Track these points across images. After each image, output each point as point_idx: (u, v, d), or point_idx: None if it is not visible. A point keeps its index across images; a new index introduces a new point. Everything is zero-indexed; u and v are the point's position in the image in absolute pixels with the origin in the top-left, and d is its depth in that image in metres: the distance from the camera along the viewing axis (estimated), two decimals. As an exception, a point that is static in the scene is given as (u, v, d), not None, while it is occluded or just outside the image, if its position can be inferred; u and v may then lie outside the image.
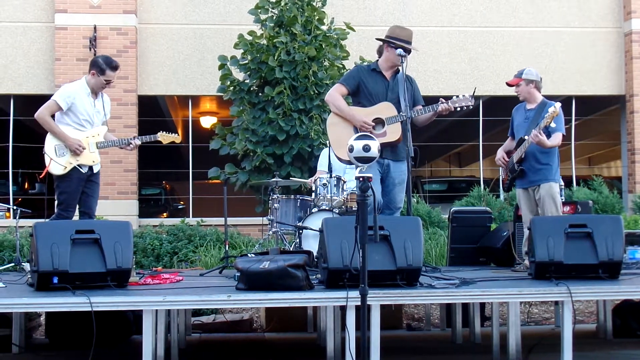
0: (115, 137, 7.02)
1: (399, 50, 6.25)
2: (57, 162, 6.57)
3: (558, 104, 6.49)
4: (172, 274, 6.53)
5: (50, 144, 6.63)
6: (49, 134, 6.68)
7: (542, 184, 6.66)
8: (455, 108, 6.38)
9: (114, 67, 6.73)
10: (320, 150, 8.99)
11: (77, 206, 6.75)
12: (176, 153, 14.85)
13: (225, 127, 11.00)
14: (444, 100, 6.37)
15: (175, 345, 6.21)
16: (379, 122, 6.34)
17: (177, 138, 7.23)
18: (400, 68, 6.44)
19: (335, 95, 6.53)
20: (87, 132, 6.71)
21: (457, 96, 6.41)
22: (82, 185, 6.69)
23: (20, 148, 12.77)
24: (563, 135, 6.62)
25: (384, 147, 6.17)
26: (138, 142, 6.96)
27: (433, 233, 9.98)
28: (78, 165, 6.63)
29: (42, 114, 6.64)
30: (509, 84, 6.93)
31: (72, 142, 6.58)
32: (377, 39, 6.69)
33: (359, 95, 6.52)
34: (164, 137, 7.14)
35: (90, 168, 6.76)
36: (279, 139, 10.17)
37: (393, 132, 6.31)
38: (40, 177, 6.70)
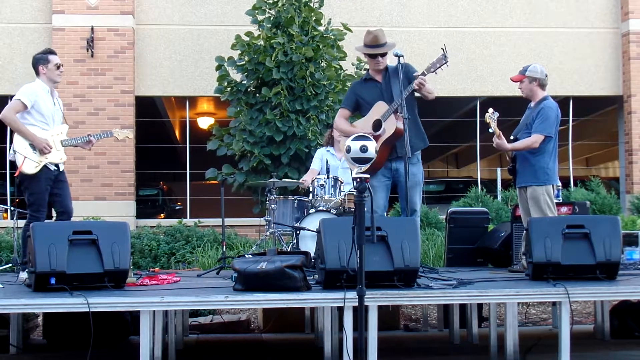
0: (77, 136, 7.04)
1: (395, 51, 6.29)
2: (31, 160, 6.46)
3: (491, 110, 6.51)
4: (169, 274, 6.53)
5: (21, 143, 6.49)
6: (16, 134, 6.57)
7: (527, 186, 6.66)
8: (435, 71, 6.34)
9: (51, 51, 6.76)
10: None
11: (54, 208, 6.70)
12: (173, 154, 14.84)
13: (223, 127, 11.00)
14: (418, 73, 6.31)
15: (173, 346, 6.22)
16: (378, 123, 6.35)
17: (130, 133, 7.33)
18: (387, 66, 6.49)
19: (338, 120, 6.74)
20: (51, 131, 6.63)
21: (431, 62, 6.36)
22: (50, 185, 6.59)
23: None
24: (548, 137, 6.51)
25: (388, 147, 6.23)
26: (94, 139, 6.94)
27: (430, 234, 9.97)
28: (48, 163, 6.55)
29: (9, 114, 6.51)
30: (512, 80, 6.90)
31: (39, 141, 6.47)
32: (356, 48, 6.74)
33: (361, 109, 6.61)
34: (118, 134, 7.17)
35: (57, 166, 6.68)
36: (276, 140, 10.17)
37: (390, 126, 6.30)
38: (15, 175, 6.60)
